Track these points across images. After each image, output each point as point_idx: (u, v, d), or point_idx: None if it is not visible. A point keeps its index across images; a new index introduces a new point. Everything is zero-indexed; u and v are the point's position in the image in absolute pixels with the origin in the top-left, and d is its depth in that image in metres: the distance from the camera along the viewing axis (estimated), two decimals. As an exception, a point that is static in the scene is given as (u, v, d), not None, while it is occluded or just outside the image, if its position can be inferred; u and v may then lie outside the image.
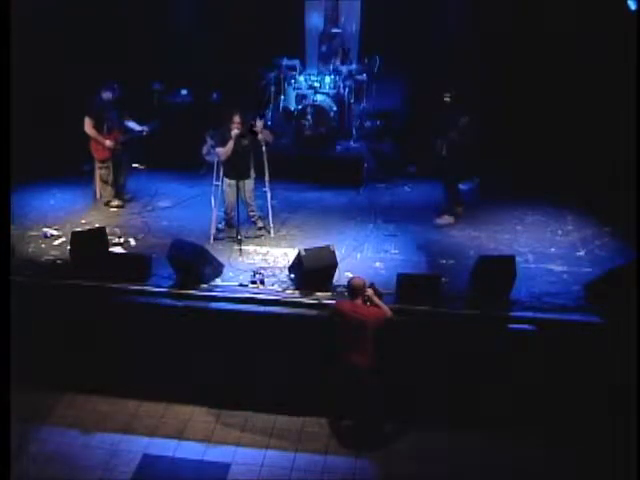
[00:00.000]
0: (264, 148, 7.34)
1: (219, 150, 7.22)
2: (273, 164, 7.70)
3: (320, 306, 6.20)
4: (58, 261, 7.00)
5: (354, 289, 5.61)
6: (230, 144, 7.08)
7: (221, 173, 7.41)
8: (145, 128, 8.03)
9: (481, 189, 8.65)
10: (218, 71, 9.69)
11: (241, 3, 9.65)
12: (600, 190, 8.08)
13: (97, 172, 8.27)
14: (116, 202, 8.22)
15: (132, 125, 8.04)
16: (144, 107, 9.54)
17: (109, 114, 7.87)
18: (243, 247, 7.21)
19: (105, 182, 8.15)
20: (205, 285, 6.55)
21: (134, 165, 9.27)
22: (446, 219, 7.90)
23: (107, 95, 7.80)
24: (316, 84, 9.21)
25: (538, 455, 5.97)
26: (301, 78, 9.38)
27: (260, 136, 7.16)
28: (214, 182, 7.51)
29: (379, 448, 6.08)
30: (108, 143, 7.85)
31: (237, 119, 7.07)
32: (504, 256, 6.49)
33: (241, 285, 6.56)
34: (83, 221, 7.87)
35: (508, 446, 6.04)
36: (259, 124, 7.09)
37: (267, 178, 7.46)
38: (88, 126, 7.81)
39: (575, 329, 6.03)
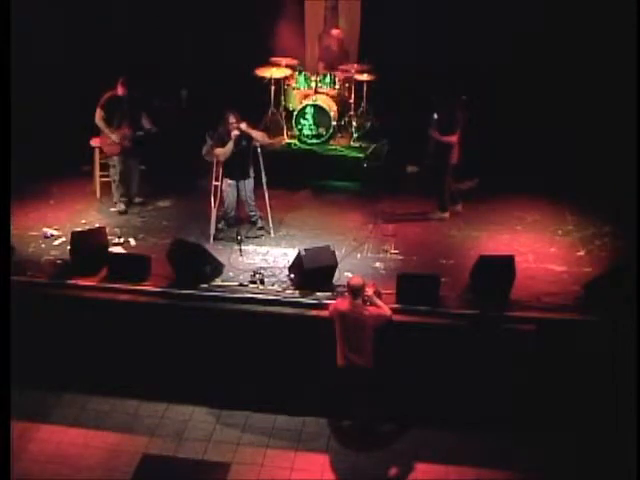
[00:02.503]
0: (259, 150, 7.34)
1: (218, 151, 7.22)
2: (273, 164, 7.71)
3: (320, 306, 6.20)
4: (58, 261, 7.00)
5: (354, 289, 5.61)
6: (230, 145, 7.08)
7: (221, 173, 7.42)
8: (154, 128, 7.90)
9: (481, 189, 8.65)
10: (218, 71, 9.68)
11: (241, 3, 9.64)
12: (600, 190, 8.07)
13: (97, 171, 8.28)
14: (121, 207, 8.06)
15: (145, 123, 7.87)
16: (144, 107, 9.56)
17: (121, 109, 7.76)
18: (243, 247, 7.21)
19: (113, 181, 8.03)
20: (205, 285, 6.55)
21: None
22: (439, 214, 7.93)
23: (121, 90, 7.71)
24: (316, 84, 9.20)
25: (538, 454, 5.97)
26: (301, 78, 9.38)
27: (253, 134, 7.17)
28: (213, 182, 7.51)
29: (379, 448, 6.09)
30: (114, 137, 7.77)
31: (232, 119, 7.07)
32: (504, 256, 6.49)
33: (241, 285, 6.56)
34: (83, 221, 7.86)
35: (508, 446, 6.04)
36: (242, 126, 7.08)
37: (264, 179, 7.46)
38: (98, 117, 7.72)
39: (575, 329, 6.03)
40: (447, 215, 7.93)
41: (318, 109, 8.99)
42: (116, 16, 9.72)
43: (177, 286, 6.54)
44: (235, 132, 7.05)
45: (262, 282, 6.55)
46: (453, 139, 7.59)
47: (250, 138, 7.20)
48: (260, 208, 7.62)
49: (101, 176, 8.33)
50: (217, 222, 7.54)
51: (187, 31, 9.74)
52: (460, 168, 8.06)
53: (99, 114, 7.72)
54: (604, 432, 5.90)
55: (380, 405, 6.04)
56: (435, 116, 7.59)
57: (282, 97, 9.43)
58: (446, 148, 7.63)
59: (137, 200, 8.24)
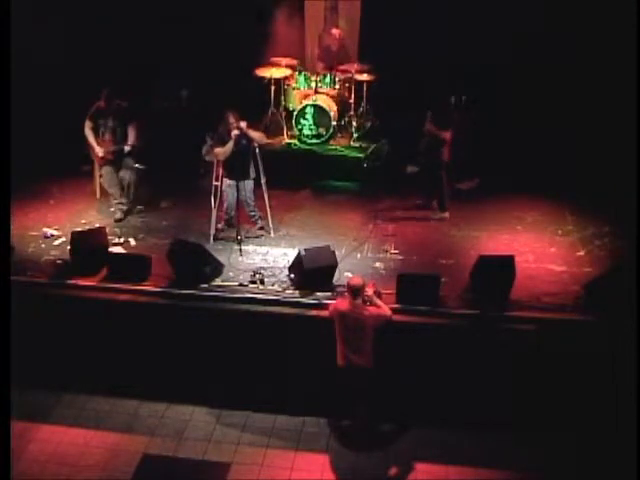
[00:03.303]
0: (257, 150, 7.33)
1: (217, 150, 7.21)
2: (273, 164, 7.71)
3: (320, 306, 6.20)
4: (58, 261, 7.00)
5: (354, 289, 5.61)
6: (230, 144, 7.08)
7: (221, 173, 7.42)
8: (127, 147, 7.66)
9: (481, 189, 8.66)
10: (218, 71, 9.68)
11: (241, 3, 9.65)
12: (600, 190, 8.07)
13: (97, 171, 8.28)
14: (117, 215, 7.90)
15: (130, 136, 7.68)
16: (143, 108, 9.56)
17: (105, 121, 7.61)
18: (243, 247, 7.21)
19: (107, 191, 7.92)
20: (205, 285, 6.55)
21: (135, 165, 9.27)
22: (439, 214, 7.94)
23: (103, 103, 7.58)
24: (316, 84, 9.20)
25: (538, 454, 5.97)
26: (301, 78, 9.38)
27: (251, 134, 7.13)
28: (213, 182, 7.51)
29: (379, 448, 6.09)
30: (97, 150, 7.63)
31: (232, 119, 7.07)
32: (504, 256, 6.49)
33: (241, 285, 6.56)
34: (83, 221, 7.86)
35: (508, 447, 6.04)
36: (242, 124, 7.04)
37: (263, 180, 7.46)
38: (86, 128, 7.66)
39: (575, 329, 6.03)
40: (447, 215, 7.93)
41: (318, 109, 9.00)
42: (116, 16, 9.70)
43: (177, 286, 6.54)
44: (235, 132, 7.04)
45: (262, 282, 6.55)
46: (447, 135, 7.58)
47: (250, 138, 7.20)
48: (260, 208, 7.62)
49: (101, 176, 8.32)
50: (217, 222, 7.54)
51: (187, 31, 9.74)
52: (459, 168, 8.07)
53: (87, 125, 7.63)
54: (604, 432, 5.90)
55: (380, 405, 6.04)
56: (430, 112, 7.59)
57: (282, 97, 9.44)
58: (439, 145, 7.62)
59: (138, 208, 8.08)
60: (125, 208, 7.98)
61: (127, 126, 7.71)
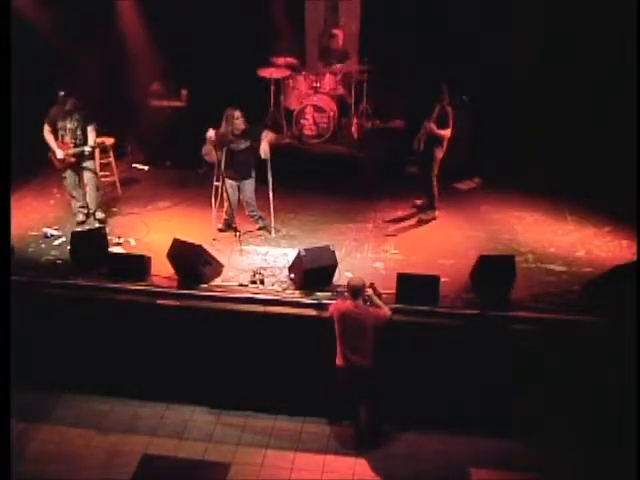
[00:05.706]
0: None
1: (266, 143, 7.13)
2: (273, 164, 7.70)
3: (320, 306, 6.20)
4: (58, 261, 7.00)
5: (354, 289, 5.61)
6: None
7: (222, 173, 7.40)
8: (87, 148, 7.47)
9: (481, 189, 8.66)
10: (217, 71, 9.67)
11: (241, 2, 9.64)
12: (600, 190, 8.07)
13: (96, 171, 8.22)
14: (79, 217, 7.78)
15: (90, 139, 7.50)
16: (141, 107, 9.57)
17: (64, 123, 7.43)
18: (243, 247, 7.21)
19: (69, 194, 7.76)
20: (205, 285, 6.55)
21: (135, 165, 9.29)
22: (429, 214, 7.94)
23: (62, 104, 7.41)
24: (316, 84, 9.21)
25: (538, 455, 5.97)
26: (301, 78, 9.38)
27: (263, 147, 7.10)
28: (214, 182, 7.51)
29: (379, 448, 6.09)
30: (58, 153, 7.44)
31: (237, 114, 7.05)
32: (504, 256, 6.50)
33: (241, 285, 6.56)
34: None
35: (509, 447, 6.04)
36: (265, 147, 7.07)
37: (270, 179, 7.46)
38: (45, 132, 7.46)
39: (575, 329, 6.03)
40: (437, 214, 7.91)
41: (318, 109, 9.00)
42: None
43: (177, 286, 6.54)
44: (241, 127, 7.03)
45: (262, 282, 6.55)
46: (448, 133, 7.57)
47: (257, 140, 7.15)
48: (262, 208, 7.61)
49: (101, 176, 8.32)
50: (217, 222, 7.54)
51: (187, 30, 9.73)
52: (459, 168, 8.05)
53: (46, 129, 7.44)
54: (604, 432, 5.90)
55: (380, 405, 6.04)
56: (437, 110, 7.58)
57: (282, 97, 9.43)
58: (436, 142, 7.59)
59: (98, 216, 7.79)
60: (86, 211, 7.81)
61: (86, 127, 7.50)
